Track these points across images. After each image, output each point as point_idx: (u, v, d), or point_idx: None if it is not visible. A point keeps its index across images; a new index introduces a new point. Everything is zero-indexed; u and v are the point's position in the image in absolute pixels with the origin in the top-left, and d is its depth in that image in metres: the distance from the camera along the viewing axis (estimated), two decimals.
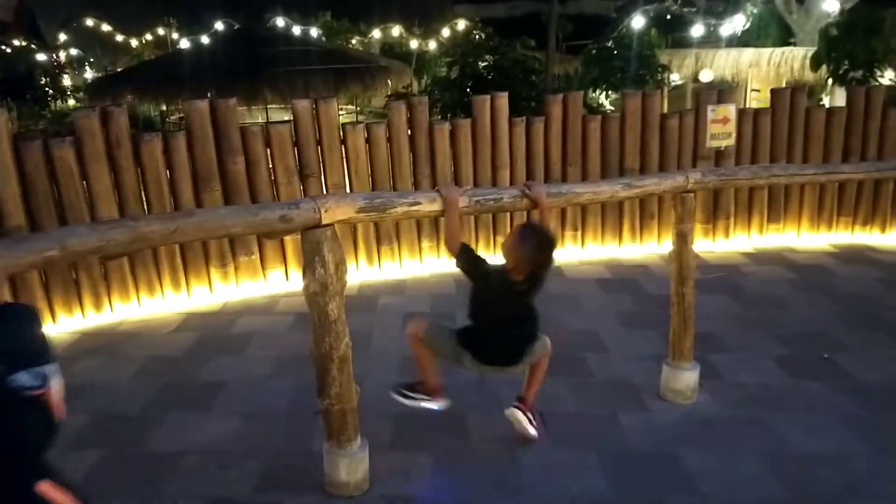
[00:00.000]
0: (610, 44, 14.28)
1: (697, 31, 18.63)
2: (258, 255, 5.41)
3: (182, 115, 17.82)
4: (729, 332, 4.51)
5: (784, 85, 19.55)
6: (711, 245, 6.41)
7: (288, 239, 5.40)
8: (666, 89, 14.65)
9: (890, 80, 9.71)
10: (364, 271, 5.72)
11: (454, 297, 5.27)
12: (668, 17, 19.52)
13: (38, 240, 2.02)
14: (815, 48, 18.33)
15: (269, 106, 15.76)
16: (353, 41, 25.94)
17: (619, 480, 2.96)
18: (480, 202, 2.91)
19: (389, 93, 15.23)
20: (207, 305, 5.14)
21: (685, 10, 20.21)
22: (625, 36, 14.56)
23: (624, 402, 3.65)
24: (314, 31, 23.47)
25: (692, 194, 3.39)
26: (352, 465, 2.82)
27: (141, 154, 4.83)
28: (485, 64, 9.88)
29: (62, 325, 4.76)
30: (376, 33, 25.21)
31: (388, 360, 4.10)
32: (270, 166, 5.31)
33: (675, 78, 17.59)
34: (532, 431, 3.19)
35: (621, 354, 4.24)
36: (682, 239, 3.43)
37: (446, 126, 5.66)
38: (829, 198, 6.51)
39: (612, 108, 13.49)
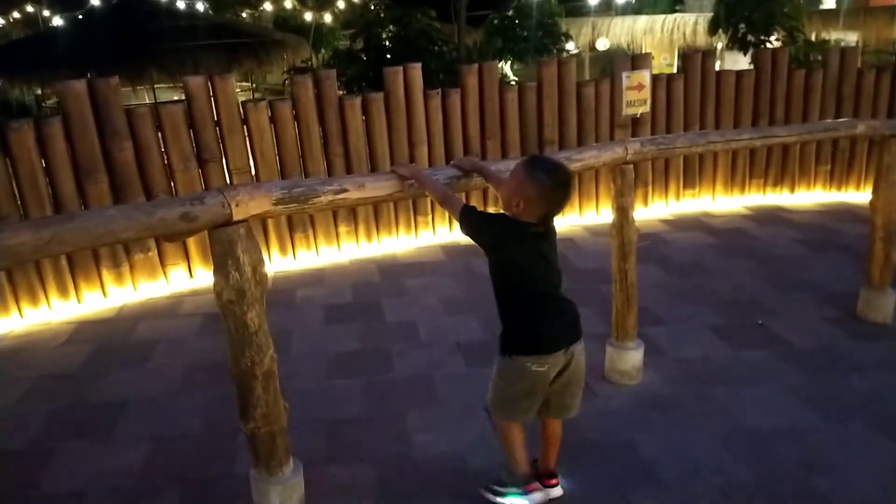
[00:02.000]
0: (511, 13, 14.10)
1: None
2: (156, 252, 4.88)
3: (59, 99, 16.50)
4: (662, 303, 4.41)
5: (676, 51, 20.10)
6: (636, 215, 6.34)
7: None
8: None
9: (778, 41, 9.99)
10: (277, 262, 5.29)
11: (377, 284, 4.96)
12: None
13: None
14: (703, 14, 18.87)
15: (156, 86, 14.75)
16: (244, 14, 24.76)
17: (576, 473, 2.75)
18: (412, 184, 2.58)
19: (286, 68, 14.55)
20: (101, 311, 4.60)
21: None
22: (525, 5, 14.41)
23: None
24: (200, 5, 22.20)
25: (631, 166, 3.20)
26: (285, 493, 2.47)
27: (9, 144, 4.20)
28: (389, 35, 9.49)
29: None
30: (267, 6, 24.12)
31: (312, 362, 3.74)
32: (163, 152, 4.77)
33: (571, 47, 17.67)
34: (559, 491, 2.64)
35: None
36: (623, 213, 3.24)
37: (357, 101, 5.28)
38: (742, 161, 6.58)
39: (517, 79, 13.36)
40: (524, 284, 2.33)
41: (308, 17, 22.54)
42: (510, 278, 2.34)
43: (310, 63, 14.26)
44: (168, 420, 3.25)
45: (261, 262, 2.29)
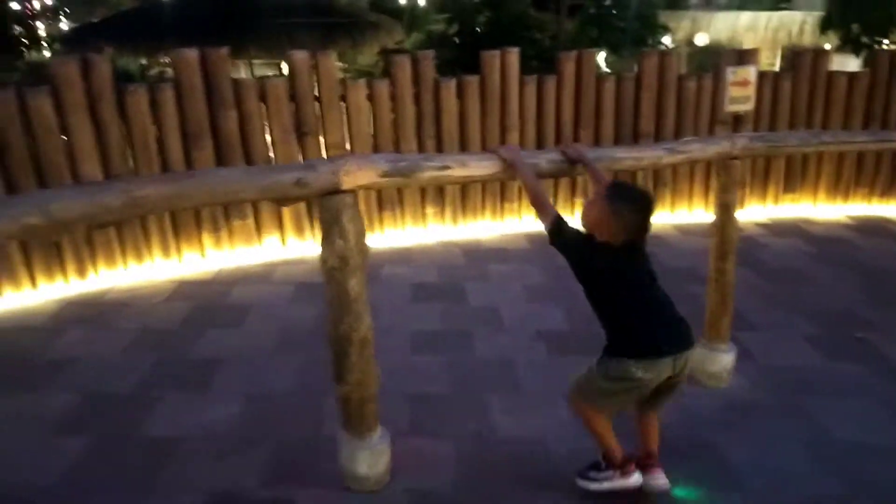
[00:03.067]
0: (609, 2, 13.83)
1: None
2: (253, 220, 5.06)
3: (161, 70, 17.21)
4: (754, 308, 4.27)
5: (780, 50, 19.26)
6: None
7: None
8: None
9: (894, 44, 9.44)
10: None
11: (462, 267, 5.01)
12: None
13: (15, 205, 1.69)
14: (812, 12, 17.98)
15: (253, 61, 15.20)
16: None
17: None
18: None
19: (379, 49, 14.72)
20: (199, 273, 4.81)
21: None
22: None
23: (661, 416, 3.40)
24: None
25: (737, 161, 3.10)
26: (372, 458, 2.54)
27: (126, 107, 4.44)
28: (484, 19, 9.47)
29: (43, 292, 4.42)
30: None
31: (397, 337, 3.81)
32: (265, 123, 4.94)
33: (668, 40, 17.20)
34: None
35: None
36: (726, 210, 3.15)
37: (453, 83, 5.30)
38: (848, 168, 6.27)
39: (609, 70, 13.11)
40: (630, 301, 2.34)
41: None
42: (612, 298, 2.36)
43: (403, 45, 14.36)
44: (261, 380, 3.39)
45: (364, 232, 2.35)
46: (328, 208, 2.27)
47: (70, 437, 2.90)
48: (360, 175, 2.26)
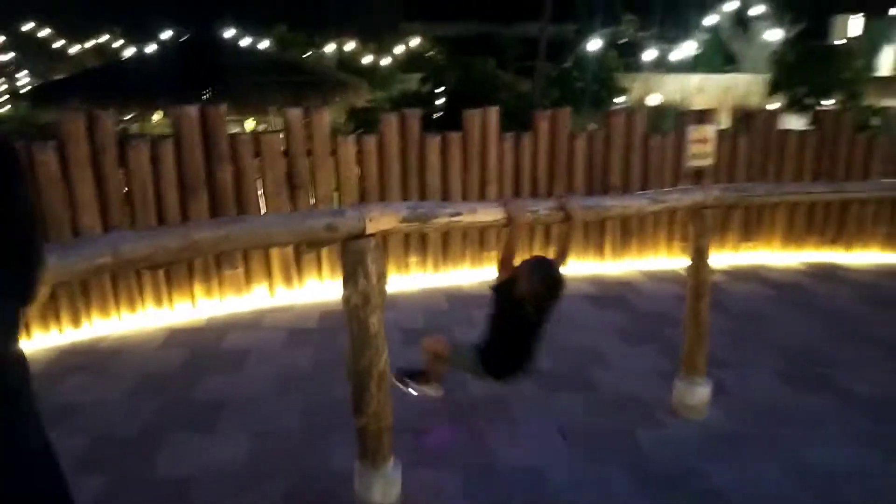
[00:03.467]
0: (569, 65, 14.54)
1: (649, 55, 19.14)
2: (243, 269, 5.22)
3: (123, 125, 17.29)
4: (725, 346, 4.54)
5: (729, 111, 20.29)
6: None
7: (274, 252, 5.24)
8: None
9: (835, 105, 10.15)
10: None
11: (446, 311, 5.22)
12: (623, 41, 20.02)
13: (87, 246, 1.86)
14: (758, 74, 19.07)
15: (226, 118, 15.38)
16: (307, 54, 25.72)
17: (650, 495, 2.93)
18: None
19: (349, 107, 15.11)
20: (191, 321, 4.93)
21: (639, 34, 20.77)
22: (583, 58, 14.85)
23: (638, 418, 3.63)
24: (265, 43, 23.19)
25: (710, 211, 3.42)
26: (386, 486, 2.70)
27: (128, 160, 4.61)
28: (456, 79, 9.92)
29: (38, 341, 4.49)
30: (330, 47, 25.05)
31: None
32: (258, 176, 5.15)
33: (623, 100, 18.04)
34: None
35: (625, 371, 4.23)
36: (700, 255, 3.46)
37: (437, 139, 5.61)
38: (800, 217, 6.73)
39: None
40: (505, 344, 2.98)
41: (367, 59, 23.41)
42: (499, 333, 2.98)
43: (374, 103, 14.77)
44: (266, 419, 3.52)
45: (385, 273, 2.56)
46: (353, 251, 2.48)
47: (88, 476, 2.98)
48: (383, 221, 2.49)
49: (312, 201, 5.30)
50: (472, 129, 5.69)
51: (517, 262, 2.88)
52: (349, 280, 2.51)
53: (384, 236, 2.59)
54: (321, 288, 5.46)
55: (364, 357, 2.56)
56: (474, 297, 5.56)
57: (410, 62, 23.87)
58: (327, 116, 5.30)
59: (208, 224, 2.16)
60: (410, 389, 3.28)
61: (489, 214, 2.77)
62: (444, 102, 9.12)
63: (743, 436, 3.47)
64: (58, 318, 4.57)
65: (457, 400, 3.76)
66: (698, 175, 6.35)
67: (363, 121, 13.60)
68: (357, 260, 2.48)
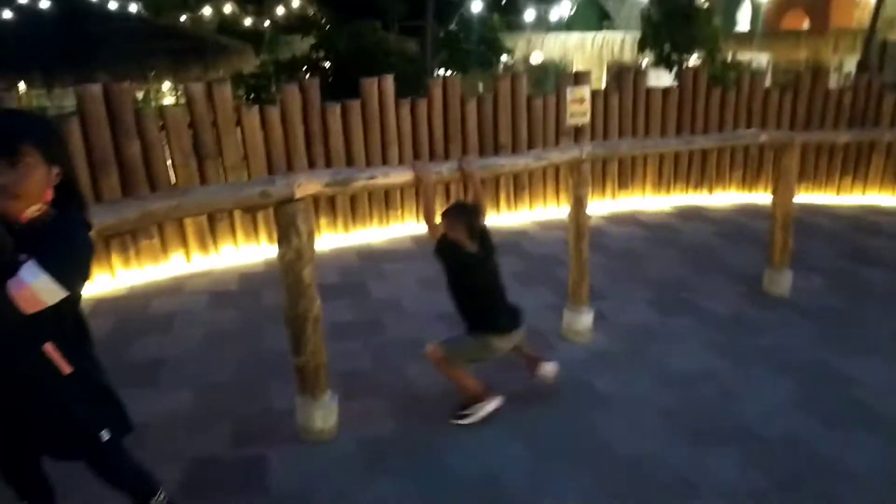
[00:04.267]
0: (455, 27, 14.95)
1: (529, 15, 19.84)
2: (158, 239, 5.41)
3: None
4: (604, 282, 5.22)
5: (605, 66, 21.40)
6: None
7: (188, 221, 5.45)
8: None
9: (696, 60, 11.13)
10: (267, 249, 5.88)
11: (359, 267, 5.63)
12: (503, 1, 20.60)
13: None
14: (630, 32, 20.14)
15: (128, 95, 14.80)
16: (183, 18, 24.77)
17: (549, 405, 3.52)
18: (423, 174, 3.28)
19: (232, 73, 14.90)
20: (112, 290, 5.10)
21: None
22: (468, 20, 15.29)
23: (536, 344, 4.21)
24: (133, 7, 22.17)
25: (587, 164, 3.99)
26: (325, 414, 3.14)
27: None
28: (344, 45, 10.12)
29: None
30: (207, 10, 24.22)
31: None
32: (167, 150, 5.32)
33: (508, 60, 18.71)
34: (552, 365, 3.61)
35: (523, 307, 4.80)
36: (579, 203, 4.03)
37: (338, 108, 5.93)
38: (668, 167, 7.54)
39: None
40: (478, 292, 3.31)
41: (248, 22, 22.86)
42: (467, 288, 3.32)
43: (262, 69, 14.62)
44: (203, 372, 3.85)
45: (313, 232, 2.96)
46: (284, 214, 2.86)
47: None
48: (309, 186, 2.87)
49: (220, 171, 5.52)
50: (370, 96, 6.04)
51: (438, 219, 3.28)
52: (283, 239, 2.89)
53: None
54: (237, 253, 5.73)
55: (300, 305, 2.96)
56: (384, 252, 6.00)
57: (292, 25, 23.53)
58: (229, 90, 5.50)
59: (162, 196, 2.48)
60: (473, 419, 3.31)
61: (400, 176, 3.20)
62: (331, 67, 9.35)
63: (620, 353, 4.13)
64: None
65: (377, 344, 4.23)
66: (577, 132, 7.01)
67: (252, 87, 13.51)
68: (289, 221, 2.86)
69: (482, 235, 3.35)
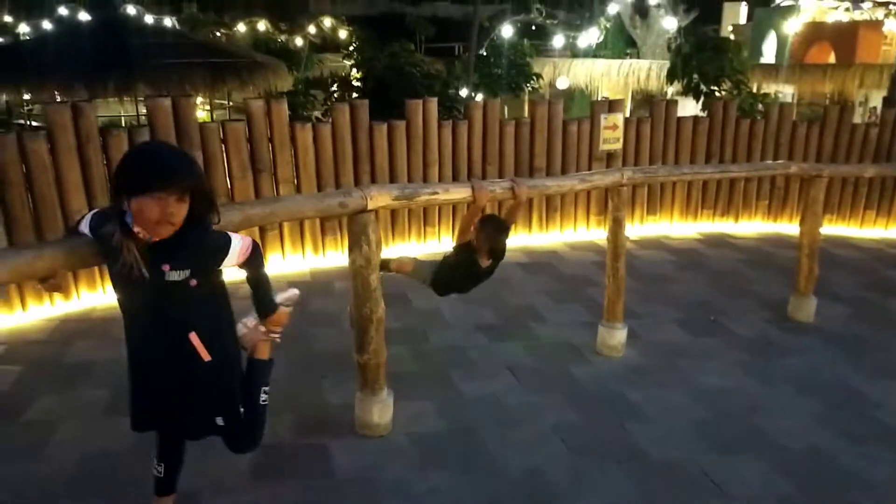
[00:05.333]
0: (486, 52, 15.32)
1: (558, 41, 20.22)
2: None
3: (30, 108, 16.81)
4: (636, 302, 5.45)
5: (630, 93, 21.68)
6: (603, 233, 7.45)
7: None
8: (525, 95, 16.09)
9: (725, 91, 11.36)
10: (310, 259, 6.19)
11: (400, 279, 5.88)
12: (533, 27, 21.03)
13: None
14: (657, 61, 20.45)
15: (140, 98, 15.34)
16: (218, 34, 25.45)
17: (586, 412, 3.76)
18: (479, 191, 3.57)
19: (268, 90, 15.36)
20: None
21: (548, 21, 21.80)
22: (499, 45, 15.67)
23: (570, 358, 4.47)
24: (168, 22, 22.86)
25: (626, 188, 4.26)
26: (382, 410, 3.41)
27: (108, 149, 5.04)
28: (383, 65, 10.48)
29: (34, 313, 4.89)
30: (241, 27, 24.88)
31: None
32: (225, 161, 5.66)
33: (536, 85, 19.07)
34: None
35: (557, 323, 5.06)
36: (618, 223, 4.30)
37: (385, 127, 6.26)
38: (695, 194, 7.78)
39: None
40: (454, 282, 3.95)
41: (281, 39, 23.46)
42: (451, 276, 3.90)
43: (298, 87, 15.07)
44: None
45: (381, 241, 3.24)
46: (358, 223, 3.15)
47: (115, 416, 3.52)
48: (379, 199, 3.17)
49: (273, 185, 5.85)
50: (414, 117, 6.36)
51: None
52: (354, 246, 3.18)
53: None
54: (283, 263, 6.05)
55: (366, 307, 3.24)
56: None
57: (325, 43, 24.12)
58: (286, 107, 5.84)
59: (259, 203, 2.78)
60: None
61: (459, 193, 3.49)
62: (368, 87, 9.73)
63: (652, 368, 4.37)
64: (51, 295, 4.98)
65: (422, 351, 4.50)
66: (609, 157, 7.29)
67: (290, 105, 13.95)
68: (360, 230, 3.15)
69: (499, 256, 3.79)
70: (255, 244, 2.40)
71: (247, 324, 2.69)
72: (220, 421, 2.41)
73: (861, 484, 3.19)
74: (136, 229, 2.05)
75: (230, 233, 2.32)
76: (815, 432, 3.64)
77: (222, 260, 2.25)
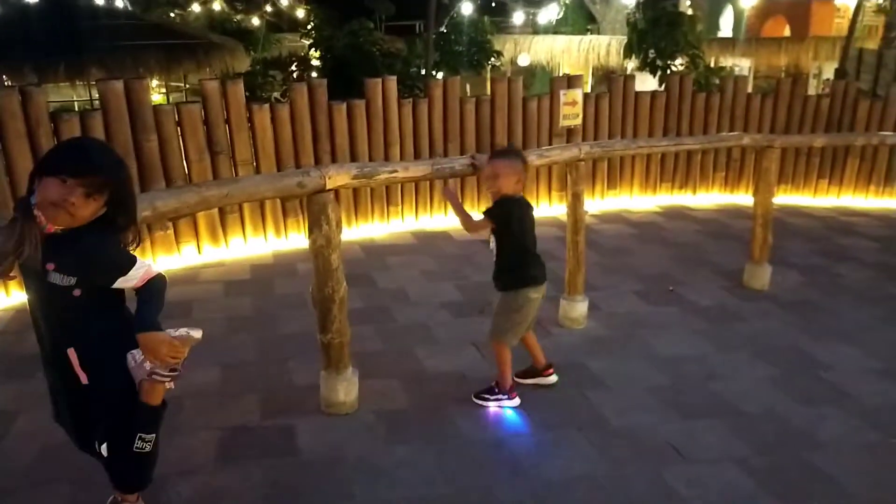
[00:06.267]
0: (446, 30, 15.24)
1: (518, 17, 20.19)
2: (172, 230, 5.66)
3: None
4: (597, 275, 5.53)
5: (591, 69, 21.79)
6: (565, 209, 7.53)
7: (201, 214, 5.71)
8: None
9: (680, 66, 11.49)
10: (273, 242, 6.15)
11: (364, 260, 5.92)
12: (493, 3, 20.95)
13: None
14: (616, 36, 20.56)
15: (92, 82, 14.97)
16: (172, 15, 24.84)
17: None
18: (439, 169, 3.59)
19: (226, 71, 15.08)
20: None
21: None
22: (459, 22, 15.59)
23: (534, 329, 4.52)
24: (120, 3, 22.22)
25: (584, 162, 4.31)
26: (347, 388, 3.43)
27: (60, 133, 4.92)
28: (342, 44, 10.38)
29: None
30: (195, 7, 24.31)
31: None
32: (182, 144, 5.57)
33: (495, 61, 19.04)
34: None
35: None
36: (577, 198, 4.35)
37: (344, 106, 6.21)
38: (654, 167, 7.89)
39: None
40: (528, 243, 3.52)
41: (237, 19, 23.00)
42: (520, 240, 3.48)
43: (255, 67, 14.81)
44: (226, 353, 4.12)
45: (340, 220, 3.24)
46: (316, 202, 3.14)
47: None
48: (338, 178, 3.16)
49: (231, 167, 5.78)
50: (374, 96, 6.32)
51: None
52: (314, 226, 3.18)
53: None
54: (245, 246, 5.99)
55: (328, 286, 3.25)
56: (386, 246, 6.30)
57: (282, 22, 23.71)
58: (241, 88, 5.76)
59: (215, 184, 2.76)
60: (489, 405, 3.56)
61: (418, 171, 3.50)
62: (326, 66, 9.63)
63: (612, 338, 4.46)
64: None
65: (387, 329, 4.52)
66: (569, 133, 7.35)
67: (248, 86, 13.72)
68: (320, 210, 3.15)
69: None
70: (158, 277, 2.21)
71: (135, 356, 2.22)
72: (103, 450, 2.26)
73: (813, 442, 3.31)
74: (35, 212, 1.92)
75: (141, 259, 2.16)
76: (770, 395, 3.76)
77: (116, 278, 2.07)
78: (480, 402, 3.57)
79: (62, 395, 2.23)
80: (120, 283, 2.08)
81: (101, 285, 2.07)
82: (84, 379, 2.13)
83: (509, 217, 3.41)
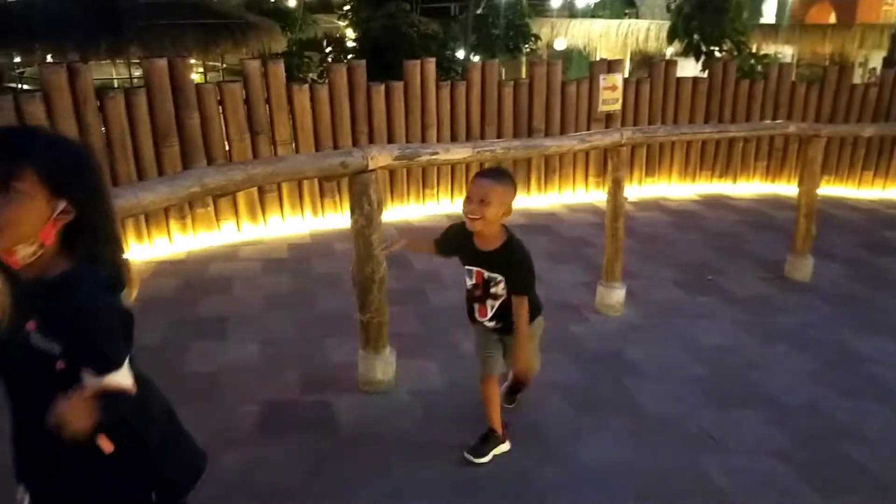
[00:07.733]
0: (483, 11, 15.13)
1: (556, 1, 19.94)
2: (213, 207, 5.73)
3: (22, 71, 16.55)
4: (633, 263, 5.46)
5: (629, 54, 21.47)
6: (602, 195, 7.46)
7: (241, 193, 5.77)
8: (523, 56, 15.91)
9: (725, 52, 11.29)
10: (310, 222, 6.20)
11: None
12: None
13: (182, 178, 2.47)
14: (656, 21, 20.21)
15: (133, 60, 15.19)
16: None
17: (585, 369, 3.83)
18: (479, 152, 3.57)
19: (262, 51, 15.15)
20: (172, 254, 5.45)
21: None
22: (497, 4, 15.46)
23: (570, 316, 4.52)
24: None
25: (625, 148, 4.26)
26: (385, 367, 3.46)
27: (106, 110, 5.01)
28: (378, 26, 10.36)
29: None
30: None
31: None
32: (223, 123, 5.63)
33: (532, 45, 18.86)
34: None
35: (556, 283, 5.10)
36: (617, 184, 4.31)
37: (382, 88, 6.21)
38: (694, 155, 7.77)
39: None
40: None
41: None
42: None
43: (292, 48, 14.86)
44: (266, 330, 4.18)
45: (382, 200, 3.26)
46: (359, 183, 3.16)
47: None
48: (380, 159, 3.17)
49: (271, 147, 5.83)
50: (412, 78, 6.31)
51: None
52: (356, 206, 3.20)
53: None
54: (283, 225, 6.06)
55: (368, 266, 3.27)
56: (421, 228, 6.30)
57: (318, 3, 23.69)
58: (282, 67, 5.79)
59: (261, 162, 2.79)
60: (484, 460, 2.97)
61: (459, 153, 3.49)
62: (362, 47, 9.63)
63: (650, 326, 4.43)
64: None
65: (423, 311, 4.55)
66: (608, 118, 7.26)
67: (285, 67, 13.80)
68: (362, 190, 3.16)
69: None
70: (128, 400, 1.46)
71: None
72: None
73: (855, 437, 3.26)
74: None
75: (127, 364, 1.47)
76: (811, 388, 3.70)
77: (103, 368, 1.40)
78: (474, 459, 2.96)
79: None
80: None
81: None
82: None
83: (531, 262, 3.01)
